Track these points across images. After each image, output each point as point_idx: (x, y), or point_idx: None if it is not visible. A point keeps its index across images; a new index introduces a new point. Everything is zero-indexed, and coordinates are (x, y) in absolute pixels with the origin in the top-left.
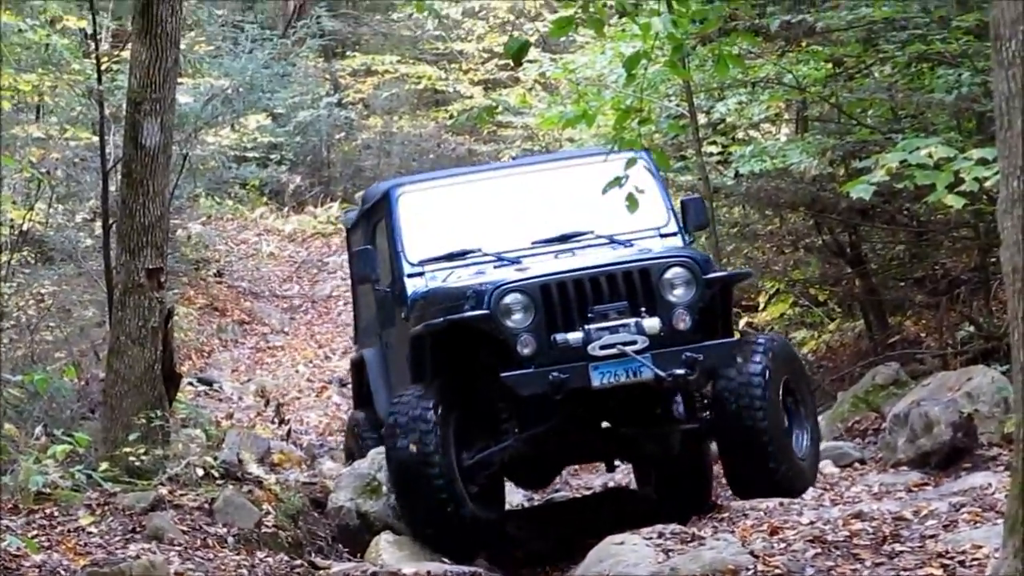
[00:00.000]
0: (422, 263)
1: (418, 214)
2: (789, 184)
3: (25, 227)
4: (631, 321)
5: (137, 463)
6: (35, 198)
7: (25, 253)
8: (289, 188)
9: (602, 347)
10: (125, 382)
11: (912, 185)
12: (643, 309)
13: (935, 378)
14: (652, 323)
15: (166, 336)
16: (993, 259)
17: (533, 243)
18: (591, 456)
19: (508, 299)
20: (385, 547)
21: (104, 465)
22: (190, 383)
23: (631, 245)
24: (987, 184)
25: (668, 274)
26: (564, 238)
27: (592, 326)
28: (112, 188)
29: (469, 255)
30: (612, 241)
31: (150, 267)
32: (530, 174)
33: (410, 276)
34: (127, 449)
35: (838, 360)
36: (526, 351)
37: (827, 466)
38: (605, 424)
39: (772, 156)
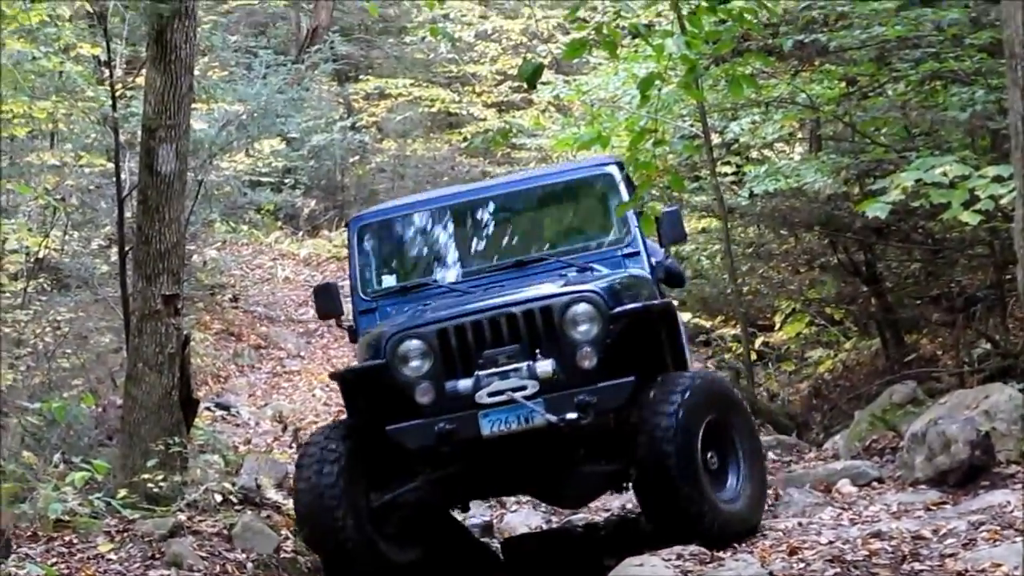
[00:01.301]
0: (375, 298)
1: (376, 246)
2: (804, 203)
3: (41, 254)
4: (523, 365)
5: (155, 489)
6: (50, 225)
7: (41, 280)
8: (304, 212)
9: (490, 394)
10: (143, 408)
11: (927, 203)
12: (538, 351)
13: (952, 396)
14: (545, 366)
15: (183, 362)
16: (1009, 276)
17: (490, 270)
18: (507, 494)
19: (403, 347)
20: None
21: (123, 492)
22: (207, 408)
23: (590, 269)
24: (1003, 202)
25: (571, 311)
26: (520, 263)
27: (483, 372)
28: (128, 215)
29: (421, 288)
30: (568, 266)
31: (166, 293)
32: (491, 198)
33: (362, 312)
34: (145, 476)
35: (854, 379)
36: (425, 399)
37: (845, 485)
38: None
39: (786, 175)
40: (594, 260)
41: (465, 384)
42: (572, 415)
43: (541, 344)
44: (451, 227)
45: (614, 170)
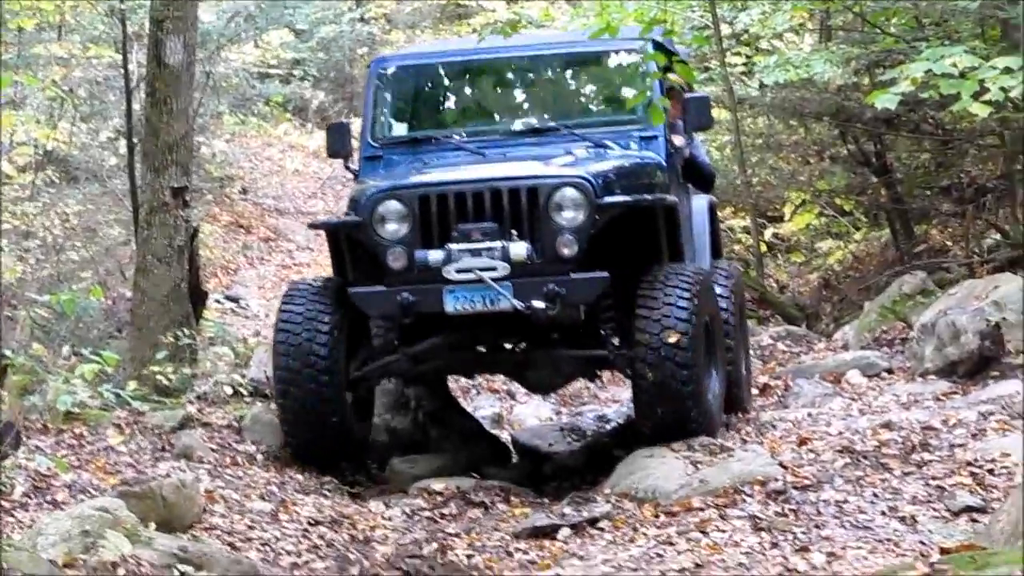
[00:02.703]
0: (383, 145)
1: (393, 92)
2: (813, 94)
3: (49, 146)
4: (497, 245)
5: (165, 382)
6: (58, 117)
7: (49, 172)
8: (313, 104)
9: (458, 271)
10: (152, 301)
11: (937, 94)
12: (514, 232)
13: (962, 287)
14: (519, 249)
15: (192, 254)
16: (1019, 167)
17: (504, 134)
18: (484, 372)
19: (383, 207)
20: (399, 467)
21: (132, 384)
22: (217, 301)
23: (603, 147)
24: (1013, 93)
25: (557, 195)
26: (536, 131)
27: (455, 246)
28: (136, 107)
29: (429, 141)
30: (582, 140)
31: (175, 185)
32: (520, 58)
33: (367, 158)
34: (155, 368)
35: (864, 269)
36: (396, 265)
37: (854, 376)
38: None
39: (796, 66)
40: (611, 137)
41: (436, 256)
42: (539, 304)
43: (522, 225)
44: (473, 82)
45: (648, 47)
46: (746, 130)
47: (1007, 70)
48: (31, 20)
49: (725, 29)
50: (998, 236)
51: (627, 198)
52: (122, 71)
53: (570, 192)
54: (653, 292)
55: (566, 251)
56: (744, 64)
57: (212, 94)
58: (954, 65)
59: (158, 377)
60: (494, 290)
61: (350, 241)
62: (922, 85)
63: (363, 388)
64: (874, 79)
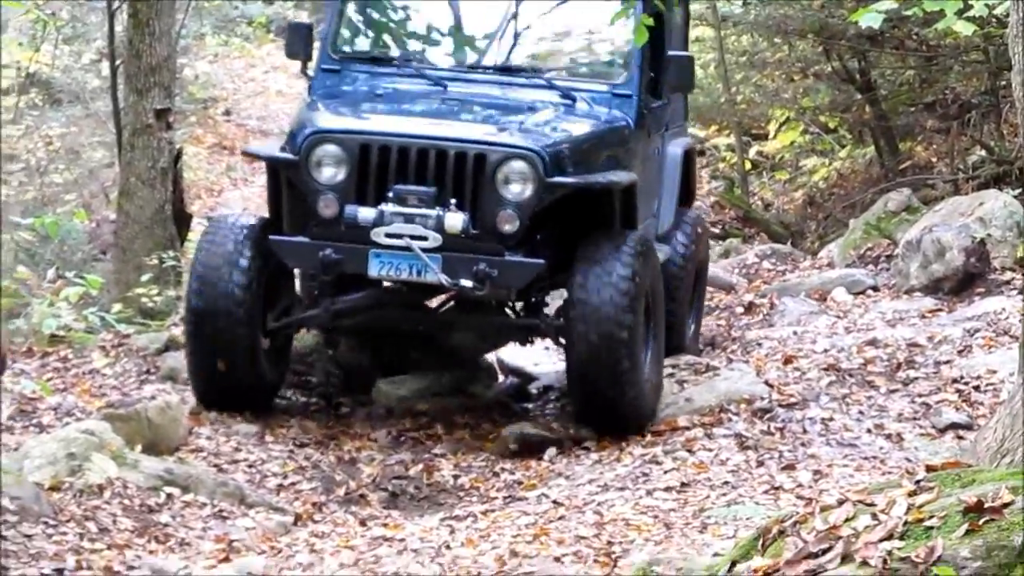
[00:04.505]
0: (344, 59)
1: (366, 3)
2: (798, 11)
3: (32, 69)
4: (432, 213)
5: (150, 304)
6: (41, 40)
7: (32, 95)
8: None
9: (388, 235)
10: (136, 223)
11: (921, 11)
12: (453, 201)
13: (947, 203)
14: (454, 220)
15: (176, 176)
16: (1004, 82)
17: (470, 67)
18: (408, 330)
19: (320, 150)
20: (385, 388)
21: (117, 307)
22: (201, 223)
23: (571, 99)
24: (997, 10)
25: (506, 167)
26: (506, 70)
27: (388, 207)
28: (118, 28)
29: (391, 63)
30: (551, 87)
31: (158, 107)
32: None
33: (324, 70)
34: (139, 290)
35: (849, 187)
36: (328, 212)
37: (840, 293)
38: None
39: None
40: (583, 90)
41: (366, 214)
42: (467, 282)
43: (464, 192)
44: (450, 2)
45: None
46: (730, 48)
47: None
48: None
49: None
50: (983, 152)
51: (578, 180)
52: None
53: (519, 164)
54: (593, 267)
55: (507, 227)
56: None
57: (194, 15)
58: None
59: (143, 300)
60: (422, 261)
61: (282, 178)
62: (905, 2)
63: (281, 336)
64: None
